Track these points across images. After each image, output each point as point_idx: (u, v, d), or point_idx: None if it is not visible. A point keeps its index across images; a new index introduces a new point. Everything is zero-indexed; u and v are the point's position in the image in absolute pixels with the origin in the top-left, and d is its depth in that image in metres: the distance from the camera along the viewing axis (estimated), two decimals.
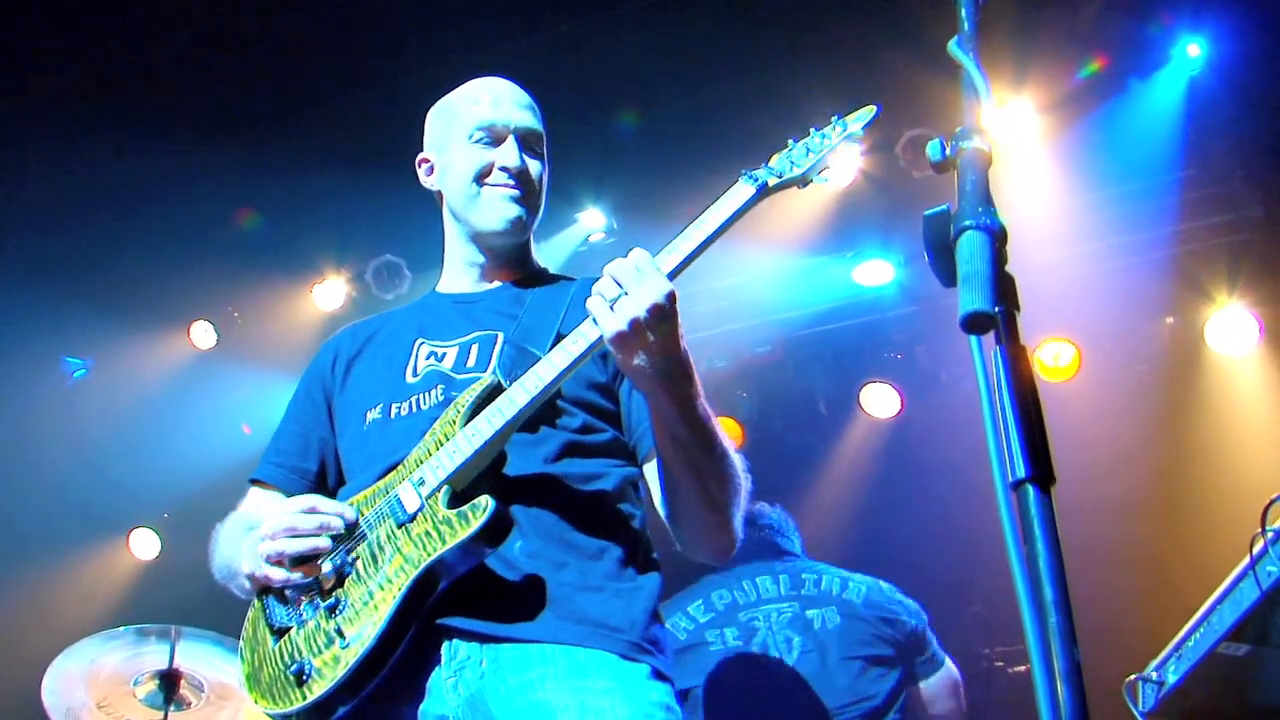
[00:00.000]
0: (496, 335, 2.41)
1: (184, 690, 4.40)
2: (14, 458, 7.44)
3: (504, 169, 2.47)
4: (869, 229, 6.47)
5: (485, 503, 2.03)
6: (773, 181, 2.18)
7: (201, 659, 4.38)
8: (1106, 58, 5.75)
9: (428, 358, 2.46)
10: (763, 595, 3.98)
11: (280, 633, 2.19)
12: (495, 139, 2.50)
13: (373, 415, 2.42)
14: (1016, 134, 5.93)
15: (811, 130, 2.22)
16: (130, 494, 7.79)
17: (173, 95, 6.16)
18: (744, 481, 2.21)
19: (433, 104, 2.74)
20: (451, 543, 2.02)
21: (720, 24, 5.81)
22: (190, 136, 6.20)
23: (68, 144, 6.22)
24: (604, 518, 2.26)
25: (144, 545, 8.06)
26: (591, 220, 6.72)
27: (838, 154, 2.18)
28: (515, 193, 2.48)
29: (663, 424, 2.10)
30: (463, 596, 2.08)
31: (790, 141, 2.24)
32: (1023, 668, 5.85)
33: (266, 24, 5.89)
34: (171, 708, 4.35)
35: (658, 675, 2.13)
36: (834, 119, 2.22)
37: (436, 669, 2.09)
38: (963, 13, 1.59)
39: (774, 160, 2.22)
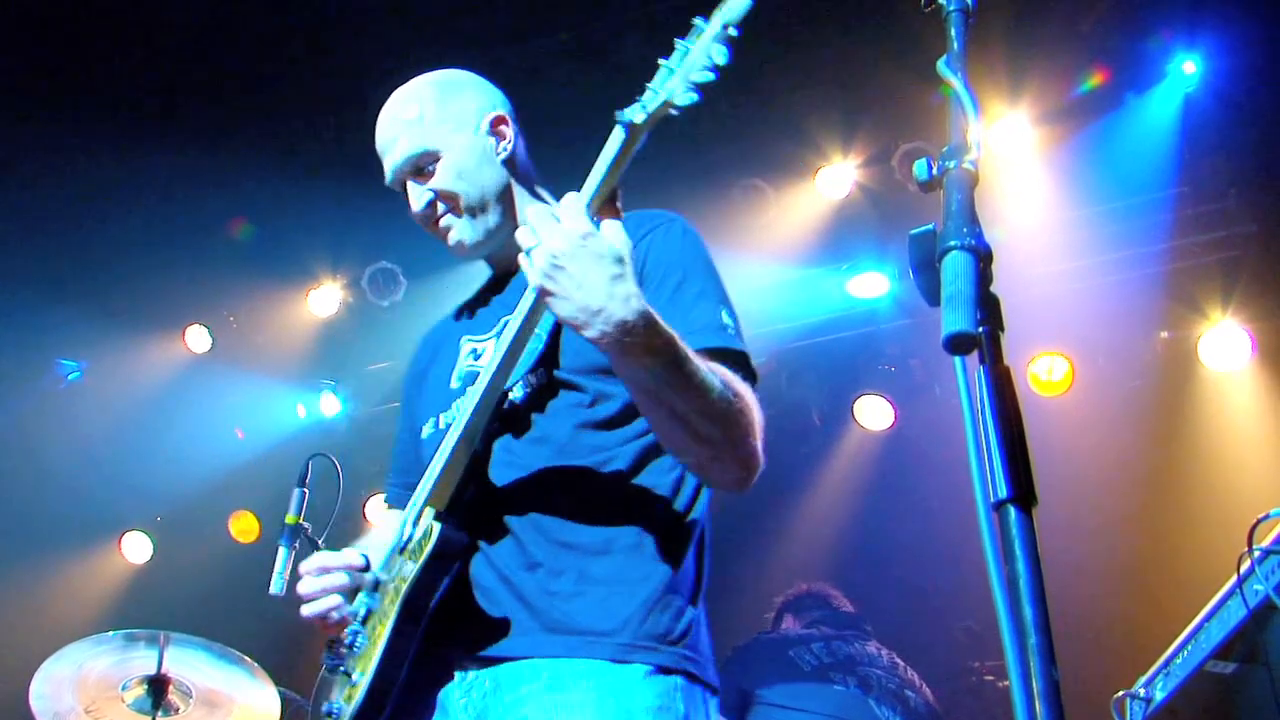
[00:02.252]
0: None
1: (172, 696, 4.39)
2: (7, 459, 7.43)
3: (416, 215, 2.38)
4: (864, 241, 6.48)
5: (431, 529, 2.00)
6: (639, 119, 1.87)
7: (190, 665, 4.37)
8: (1106, 72, 5.77)
9: (468, 356, 2.36)
10: (873, 659, 4.53)
11: (332, 673, 2.21)
12: (400, 188, 2.40)
13: (427, 430, 2.36)
14: (1012, 147, 5.95)
15: (676, 42, 1.89)
16: (123, 497, 7.79)
17: (169, 99, 6.18)
18: (746, 413, 1.97)
19: None
20: (414, 572, 2.01)
21: None
22: (187, 141, 6.21)
23: (64, 147, 6.22)
24: (614, 504, 2.11)
25: (136, 549, 8.05)
26: None
27: (708, 62, 1.85)
28: (436, 229, 2.38)
29: (620, 371, 1.94)
30: (463, 619, 2.06)
31: (661, 62, 1.91)
32: None
33: (265, 30, 5.91)
34: (159, 713, 4.34)
35: (660, 670, 2.01)
36: (697, 20, 1.88)
37: (450, 684, 2.08)
38: (952, 31, 1.58)
39: (647, 92, 1.89)
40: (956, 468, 1.36)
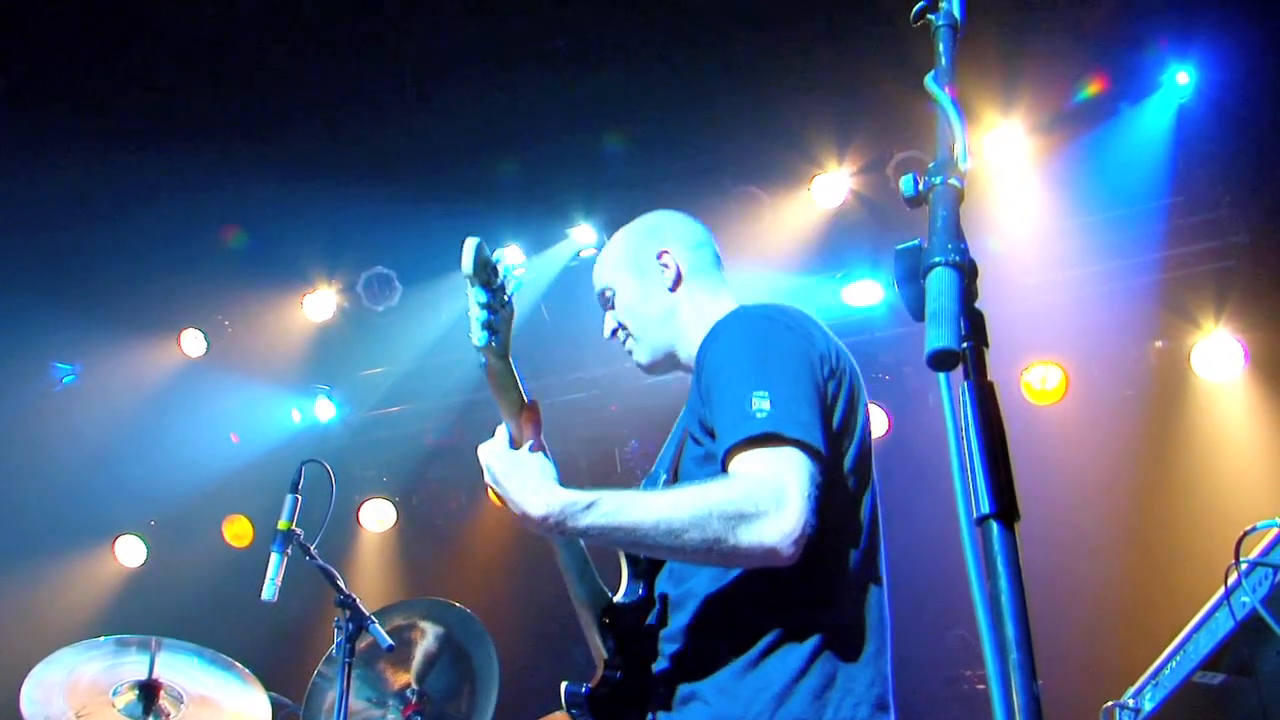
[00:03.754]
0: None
1: (163, 701, 4.37)
2: (1, 461, 7.42)
3: (606, 337, 2.75)
4: (858, 249, 6.49)
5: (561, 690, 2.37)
6: (484, 361, 2.19)
7: (181, 670, 4.35)
8: (1100, 82, 5.79)
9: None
10: None
11: None
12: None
13: None
14: (1006, 157, 5.96)
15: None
16: (117, 501, 7.78)
17: (166, 103, 6.18)
18: (709, 522, 2.05)
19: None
20: None
21: (715, 44, 5.84)
22: (183, 144, 6.21)
23: (60, 150, 6.22)
24: (686, 624, 2.34)
25: (129, 553, 8.04)
26: (583, 236, 6.74)
27: (477, 307, 2.11)
28: (625, 349, 2.72)
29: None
30: None
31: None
32: None
33: (262, 35, 5.91)
34: (150, 719, 4.32)
35: None
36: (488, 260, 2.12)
37: None
38: (940, 47, 1.59)
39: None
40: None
